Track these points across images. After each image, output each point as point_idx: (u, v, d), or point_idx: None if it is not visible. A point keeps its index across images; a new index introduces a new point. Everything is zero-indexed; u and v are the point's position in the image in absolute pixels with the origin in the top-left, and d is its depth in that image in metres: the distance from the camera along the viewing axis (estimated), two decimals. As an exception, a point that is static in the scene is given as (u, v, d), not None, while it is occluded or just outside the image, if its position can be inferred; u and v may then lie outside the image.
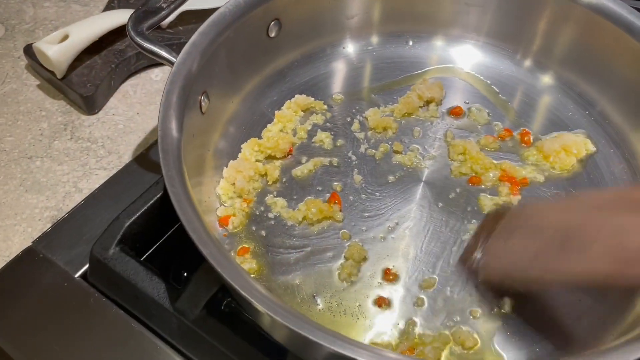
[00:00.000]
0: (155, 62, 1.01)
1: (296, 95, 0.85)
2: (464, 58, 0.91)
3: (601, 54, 0.81)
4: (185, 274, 0.78)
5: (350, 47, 0.92)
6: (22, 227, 0.82)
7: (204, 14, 1.01)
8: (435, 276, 0.69)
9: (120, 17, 0.97)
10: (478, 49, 0.91)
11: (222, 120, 0.80)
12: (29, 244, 0.78)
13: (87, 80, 0.94)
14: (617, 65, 0.80)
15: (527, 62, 0.89)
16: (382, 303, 0.67)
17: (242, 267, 0.69)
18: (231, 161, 0.78)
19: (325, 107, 0.86)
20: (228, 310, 0.71)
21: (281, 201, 0.75)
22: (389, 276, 0.69)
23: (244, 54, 0.81)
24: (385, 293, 0.68)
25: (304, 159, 0.80)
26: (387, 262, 0.71)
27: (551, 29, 0.84)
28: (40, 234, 0.79)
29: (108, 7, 1.07)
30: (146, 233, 0.77)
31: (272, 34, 0.83)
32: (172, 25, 1.02)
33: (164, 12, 0.72)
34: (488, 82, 0.89)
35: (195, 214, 0.58)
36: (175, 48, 0.71)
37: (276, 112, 0.84)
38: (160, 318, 0.69)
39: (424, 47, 0.92)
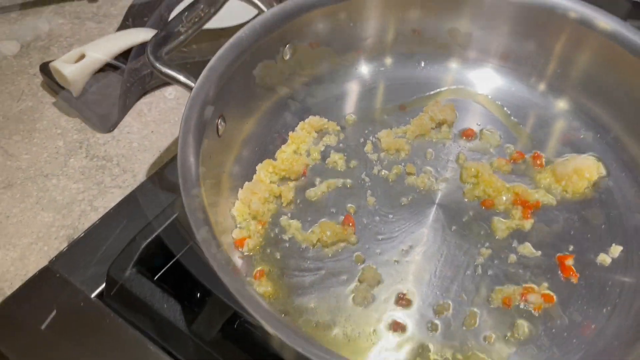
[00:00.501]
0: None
1: (310, 117, 0.86)
2: (477, 80, 0.92)
3: (616, 79, 0.81)
4: (198, 295, 0.78)
5: (363, 68, 0.92)
6: (38, 245, 0.83)
7: (218, 33, 1.03)
8: (449, 301, 0.70)
9: (136, 36, 0.98)
10: (492, 72, 0.92)
11: (237, 142, 0.81)
12: (46, 263, 0.79)
13: (102, 99, 0.96)
14: (632, 91, 0.80)
15: (542, 86, 0.90)
16: (397, 328, 0.68)
17: (258, 290, 0.69)
18: (246, 183, 0.78)
19: (339, 128, 0.87)
20: (242, 330, 0.72)
21: (295, 223, 0.76)
22: (403, 301, 0.70)
23: (258, 80, 0.81)
24: (399, 317, 0.69)
25: (317, 180, 0.81)
26: (401, 285, 0.71)
27: (567, 53, 0.85)
28: (56, 252, 0.80)
29: (122, 25, 1.09)
30: (161, 254, 0.78)
31: (287, 57, 0.84)
32: (185, 44, 1.03)
33: (182, 37, 0.73)
34: (500, 104, 0.90)
35: (214, 240, 0.58)
36: (189, 67, 0.72)
37: (290, 133, 0.84)
38: (176, 340, 0.69)
39: (436, 69, 0.93)
